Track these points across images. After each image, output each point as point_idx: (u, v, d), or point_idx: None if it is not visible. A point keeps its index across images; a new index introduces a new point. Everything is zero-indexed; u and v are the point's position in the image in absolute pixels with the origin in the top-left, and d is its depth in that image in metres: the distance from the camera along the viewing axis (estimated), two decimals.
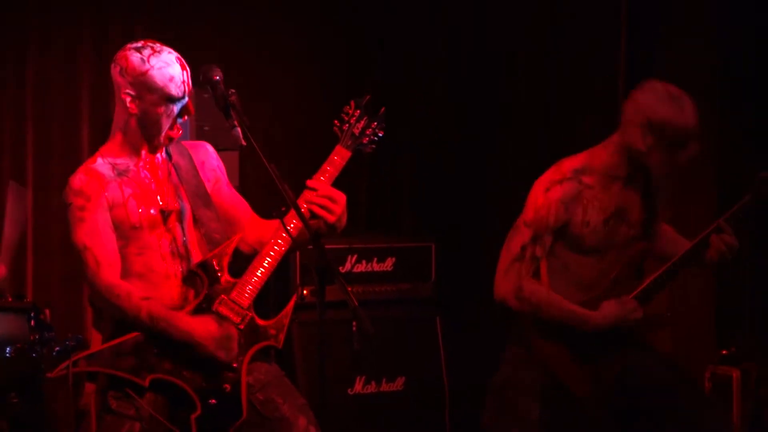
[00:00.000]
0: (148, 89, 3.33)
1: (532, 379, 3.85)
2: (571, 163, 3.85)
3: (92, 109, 5.50)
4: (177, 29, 5.56)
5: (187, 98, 3.40)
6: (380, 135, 3.57)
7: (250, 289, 3.39)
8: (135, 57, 3.33)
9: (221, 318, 3.35)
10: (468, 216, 5.98)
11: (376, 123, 3.55)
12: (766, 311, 5.03)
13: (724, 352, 4.80)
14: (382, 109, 3.59)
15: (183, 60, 3.40)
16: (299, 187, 3.40)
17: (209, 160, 3.57)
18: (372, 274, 5.40)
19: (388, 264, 5.44)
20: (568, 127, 5.47)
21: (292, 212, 3.28)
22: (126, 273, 3.38)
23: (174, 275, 3.41)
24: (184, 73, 3.38)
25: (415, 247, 5.54)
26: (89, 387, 4.63)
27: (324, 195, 3.38)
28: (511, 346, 3.94)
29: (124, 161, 3.42)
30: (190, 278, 3.42)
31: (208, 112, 4.48)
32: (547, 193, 3.81)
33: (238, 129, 3.17)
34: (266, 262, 3.40)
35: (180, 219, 3.45)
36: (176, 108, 3.37)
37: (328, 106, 5.89)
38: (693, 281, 4.86)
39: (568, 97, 5.54)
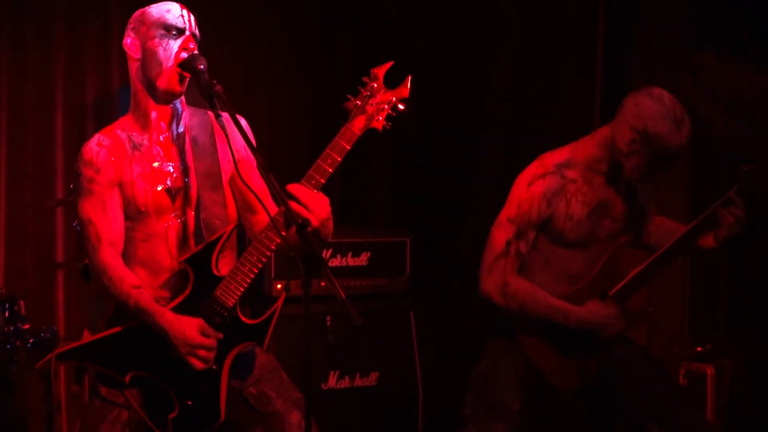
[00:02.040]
0: (146, 25, 3.28)
1: (513, 371, 3.86)
2: (553, 158, 3.85)
3: (66, 100, 5.43)
4: None
5: (187, 33, 3.26)
6: (400, 110, 3.15)
7: (236, 287, 3.20)
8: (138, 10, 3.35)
9: (205, 317, 3.21)
10: (443, 211, 5.98)
11: (395, 97, 3.15)
12: (741, 307, 5.06)
13: (698, 349, 4.84)
14: (408, 77, 3.16)
15: (187, 9, 3.32)
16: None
17: (237, 138, 3.17)
18: (347, 268, 5.36)
19: (363, 258, 5.42)
20: (545, 124, 5.48)
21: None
22: (131, 258, 3.30)
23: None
24: (185, 11, 3.30)
25: (390, 241, 5.52)
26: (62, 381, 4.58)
27: (304, 203, 3.09)
28: (492, 340, 3.95)
29: (139, 135, 3.32)
30: (177, 274, 3.28)
31: None
32: (530, 187, 3.81)
33: (224, 116, 3.11)
34: (256, 258, 3.18)
35: (189, 203, 3.31)
36: (173, 43, 3.24)
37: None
38: (668, 278, 4.88)
39: (545, 95, 5.55)
